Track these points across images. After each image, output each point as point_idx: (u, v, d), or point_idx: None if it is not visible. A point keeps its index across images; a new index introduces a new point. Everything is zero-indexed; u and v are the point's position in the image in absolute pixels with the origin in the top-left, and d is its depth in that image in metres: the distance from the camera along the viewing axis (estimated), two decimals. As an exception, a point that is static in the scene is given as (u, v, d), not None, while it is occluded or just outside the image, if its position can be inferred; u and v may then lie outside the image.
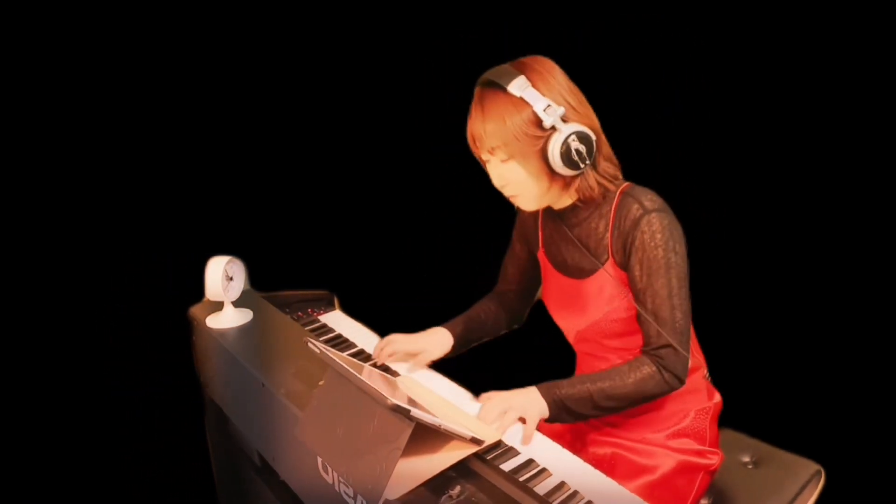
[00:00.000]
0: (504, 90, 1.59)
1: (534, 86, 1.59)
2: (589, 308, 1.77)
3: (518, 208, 1.90)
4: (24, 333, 2.72)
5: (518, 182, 1.66)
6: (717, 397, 1.88)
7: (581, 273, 1.78)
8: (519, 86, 1.58)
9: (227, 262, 2.06)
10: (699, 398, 1.83)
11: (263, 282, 2.29)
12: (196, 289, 2.10)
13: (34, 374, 2.74)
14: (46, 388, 2.75)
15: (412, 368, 1.93)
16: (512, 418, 1.62)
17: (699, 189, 2.53)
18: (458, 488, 1.40)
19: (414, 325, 2.01)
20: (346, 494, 1.53)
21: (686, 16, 2.61)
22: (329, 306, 2.31)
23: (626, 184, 1.72)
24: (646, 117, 2.69)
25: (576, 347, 1.93)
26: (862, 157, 2.58)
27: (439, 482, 1.41)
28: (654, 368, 1.66)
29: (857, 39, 2.48)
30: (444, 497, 1.38)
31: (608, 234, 1.71)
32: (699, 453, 1.80)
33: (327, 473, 1.58)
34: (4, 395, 2.69)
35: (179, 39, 2.83)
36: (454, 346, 1.98)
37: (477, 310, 2.06)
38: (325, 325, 2.19)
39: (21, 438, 2.70)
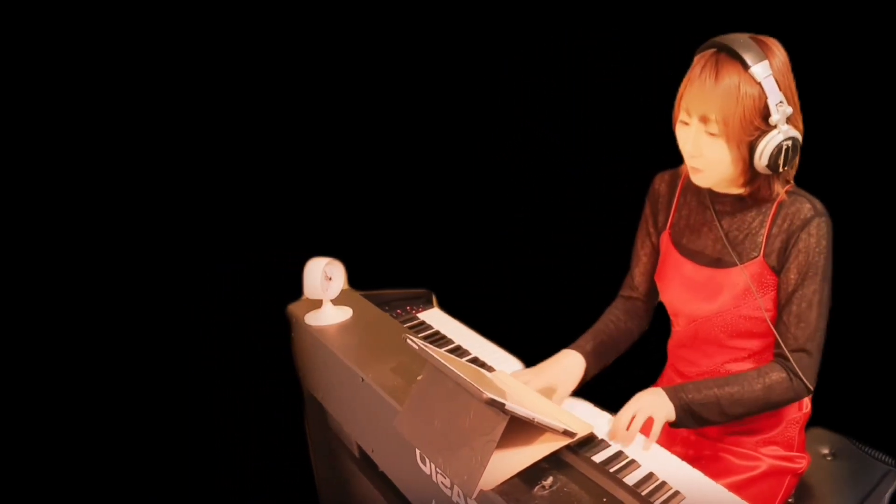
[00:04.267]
0: (746, 67, 1.50)
1: (773, 75, 1.51)
2: (720, 299, 1.72)
3: (654, 186, 1.89)
4: (130, 328, 2.79)
5: (712, 160, 1.60)
6: (808, 406, 1.85)
7: (718, 263, 1.73)
8: (762, 71, 1.50)
9: (327, 264, 2.07)
10: (791, 409, 1.81)
11: (363, 281, 2.30)
12: (295, 287, 2.14)
13: (145, 369, 2.81)
14: (157, 384, 2.81)
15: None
16: (641, 421, 1.59)
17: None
18: (550, 479, 1.42)
19: (512, 323, 1.99)
20: (443, 485, 1.58)
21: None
22: (427, 304, 2.33)
23: (791, 185, 1.69)
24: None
25: (679, 338, 1.88)
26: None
27: (532, 473, 1.44)
28: (784, 374, 1.63)
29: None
30: (537, 487, 1.41)
31: (764, 231, 1.66)
32: (788, 458, 1.80)
33: (425, 465, 1.63)
34: (111, 389, 2.76)
35: (278, 41, 2.88)
36: (587, 370, 1.82)
37: (606, 325, 1.93)
38: (423, 323, 2.20)
39: (128, 430, 2.77)
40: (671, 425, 1.64)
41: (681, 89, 1.61)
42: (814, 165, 1.73)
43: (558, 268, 3.17)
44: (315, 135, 3.02)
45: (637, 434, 1.59)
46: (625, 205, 2.07)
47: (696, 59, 1.59)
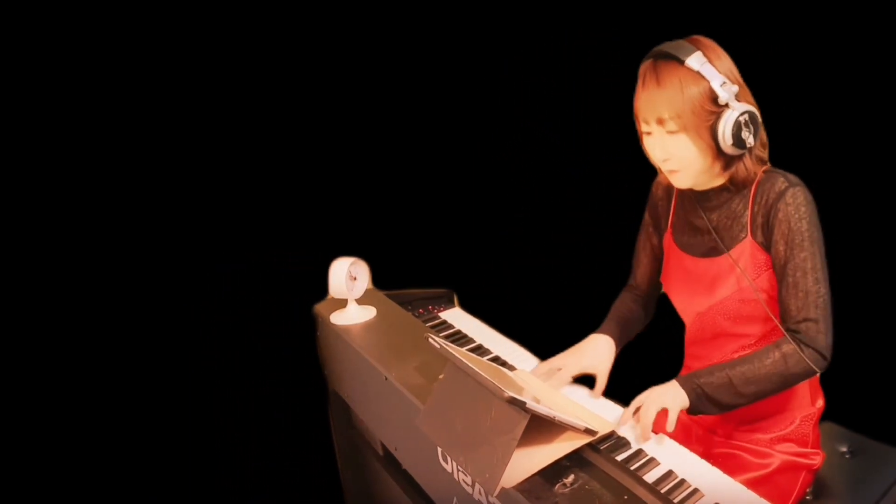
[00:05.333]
0: (681, 62, 1.59)
1: (710, 62, 1.60)
2: (718, 287, 1.76)
3: (652, 191, 1.96)
4: (161, 327, 2.80)
5: (682, 157, 1.66)
6: (821, 402, 1.86)
7: (712, 252, 1.77)
8: (697, 60, 1.59)
9: (352, 264, 2.10)
10: (804, 405, 1.82)
11: (387, 281, 2.33)
12: (320, 287, 2.16)
13: (177, 367, 2.82)
14: (177, 384, 2.82)
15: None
16: (652, 411, 1.60)
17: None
18: (571, 476, 1.44)
19: (533, 322, 2.00)
20: (465, 483, 1.59)
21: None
22: (449, 303, 2.35)
23: (767, 165, 1.73)
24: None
25: (689, 335, 1.91)
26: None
27: (554, 471, 1.45)
28: (792, 346, 1.62)
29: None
30: (558, 485, 1.42)
31: (748, 212, 1.70)
32: (803, 455, 1.80)
33: (447, 463, 1.64)
34: (140, 386, 2.77)
35: (301, 42, 2.90)
36: (616, 352, 1.92)
37: (622, 310, 2.02)
38: (445, 322, 2.22)
39: (151, 431, 2.78)
40: (688, 412, 1.65)
41: (634, 105, 1.70)
42: (808, 156, 1.76)
43: (576, 267, 3.18)
44: (335, 139, 3.03)
45: (649, 425, 1.61)
46: (625, 205, 2.10)
47: (638, 74, 1.68)
